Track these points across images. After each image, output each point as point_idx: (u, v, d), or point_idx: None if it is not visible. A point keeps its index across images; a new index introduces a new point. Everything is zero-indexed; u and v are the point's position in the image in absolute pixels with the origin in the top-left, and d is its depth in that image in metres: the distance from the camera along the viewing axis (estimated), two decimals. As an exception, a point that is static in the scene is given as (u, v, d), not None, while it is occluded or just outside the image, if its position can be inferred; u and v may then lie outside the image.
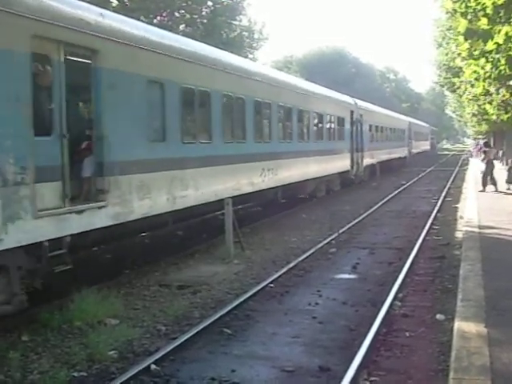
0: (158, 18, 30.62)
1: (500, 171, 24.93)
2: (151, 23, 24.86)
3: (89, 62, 8.46)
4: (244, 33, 35.87)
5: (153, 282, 9.86)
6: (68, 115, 7.77)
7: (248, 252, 12.28)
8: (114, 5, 26.29)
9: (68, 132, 7.74)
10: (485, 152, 23.67)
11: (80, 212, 7.96)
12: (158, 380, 5.93)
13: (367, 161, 29.35)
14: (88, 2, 8.71)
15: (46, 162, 7.33)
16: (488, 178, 22.27)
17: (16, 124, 6.89)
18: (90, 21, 8.26)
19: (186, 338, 6.93)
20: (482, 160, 23.69)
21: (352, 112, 26.20)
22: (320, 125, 21.46)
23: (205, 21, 32.66)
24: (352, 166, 25.97)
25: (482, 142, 39.09)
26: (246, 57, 31.59)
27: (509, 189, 22.35)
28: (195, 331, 7.14)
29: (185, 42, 12.32)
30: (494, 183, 22.15)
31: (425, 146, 67.13)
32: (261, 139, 15.31)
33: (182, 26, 31.78)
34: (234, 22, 34.80)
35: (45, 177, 7.28)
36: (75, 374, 6.11)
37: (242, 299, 8.57)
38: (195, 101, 11.61)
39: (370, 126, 30.95)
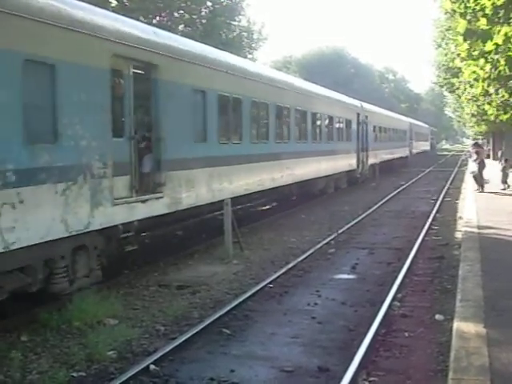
0: (158, 18, 30.63)
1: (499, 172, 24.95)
2: (150, 23, 24.83)
3: (149, 74, 9.94)
4: (243, 33, 35.87)
5: (152, 282, 9.85)
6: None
7: (247, 252, 12.28)
8: (113, 5, 26.25)
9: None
10: (477, 153, 23.76)
11: (144, 201, 9.51)
12: (157, 380, 5.92)
13: (371, 160, 30.60)
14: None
15: (120, 159, 8.84)
16: (480, 177, 22.45)
17: (101, 128, 8.41)
18: (151, 40, 9.94)
19: (185, 338, 6.92)
20: (474, 160, 23.77)
21: (358, 114, 27.64)
22: (330, 126, 22.95)
23: (204, 21, 32.66)
24: (358, 165, 27.35)
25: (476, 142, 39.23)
26: (245, 57, 31.57)
27: (504, 189, 22.40)
28: (194, 331, 7.13)
29: (221, 54, 13.93)
30: (482, 184, 22.36)
31: (425, 146, 67.88)
32: (281, 140, 16.81)
33: (181, 27, 31.75)
34: (233, 23, 34.80)
35: (119, 171, 8.79)
36: (74, 374, 6.10)
37: (241, 299, 8.57)
38: (229, 106, 13.19)
39: (374, 127, 32.28)
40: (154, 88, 9.99)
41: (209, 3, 32.96)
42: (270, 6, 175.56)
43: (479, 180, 22.32)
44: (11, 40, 6.80)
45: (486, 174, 22.72)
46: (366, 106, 30.72)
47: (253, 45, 37.36)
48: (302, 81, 22.19)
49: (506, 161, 24.18)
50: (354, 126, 26.79)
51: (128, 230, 9.18)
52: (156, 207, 9.86)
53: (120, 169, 8.79)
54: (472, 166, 23.90)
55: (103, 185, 8.36)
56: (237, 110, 13.59)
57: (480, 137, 64.50)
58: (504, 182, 23.00)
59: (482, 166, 22.64)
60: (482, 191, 21.82)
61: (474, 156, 23.92)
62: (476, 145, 26.29)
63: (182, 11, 31.92)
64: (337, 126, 23.89)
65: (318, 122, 21.17)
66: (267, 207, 20.03)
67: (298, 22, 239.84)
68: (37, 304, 7.95)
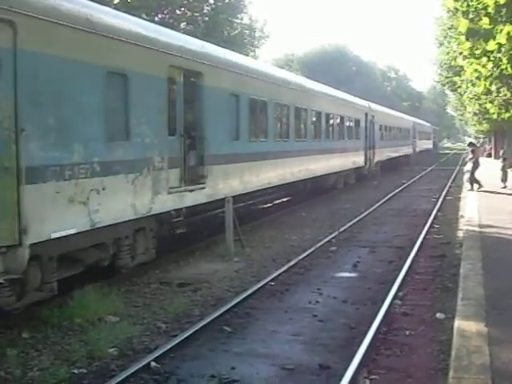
0: (160, 15, 30.57)
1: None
2: (152, 21, 24.78)
3: (195, 81, 11.27)
4: (245, 31, 35.75)
5: (153, 280, 9.86)
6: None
7: (248, 250, 12.28)
8: (115, 2, 26.19)
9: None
10: (472, 151, 23.82)
11: (191, 191, 10.94)
12: (157, 377, 5.93)
13: (378, 157, 31.83)
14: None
15: (173, 154, 10.19)
16: (472, 176, 22.47)
17: (160, 128, 9.81)
18: (198, 52, 11.45)
19: (186, 335, 6.93)
20: (470, 159, 23.80)
21: (366, 114, 28.92)
22: (342, 126, 24.36)
23: (206, 19, 32.56)
24: (366, 162, 28.66)
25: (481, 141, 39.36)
26: (247, 55, 31.51)
27: (504, 187, 22.36)
28: (195, 329, 7.14)
29: (251, 61, 15.79)
30: (472, 183, 22.41)
31: (428, 144, 68.53)
32: (299, 138, 18.25)
33: (183, 24, 31.67)
34: (236, 20, 34.69)
35: (172, 164, 10.15)
36: (75, 371, 6.11)
37: (242, 297, 8.58)
38: (257, 108, 14.65)
39: (380, 126, 33.42)
40: (199, 93, 11.38)
41: (211, 1, 32.87)
42: (272, 4, 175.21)
43: (472, 179, 22.35)
44: (100, 56, 8.21)
45: (478, 173, 22.73)
46: (373, 105, 31.98)
47: (255, 42, 37.27)
48: (318, 83, 22.87)
49: (504, 159, 24.17)
50: (362, 125, 28.10)
51: (178, 215, 10.55)
52: (200, 196, 11.32)
53: (173, 162, 10.17)
54: (469, 166, 24.02)
55: (161, 176, 9.75)
56: (263, 112, 15.07)
57: (482, 135, 64.42)
58: (504, 180, 22.97)
59: (475, 165, 22.65)
60: (481, 188, 21.83)
61: (470, 155, 24.02)
62: (471, 144, 26.68)
63: (184, 9, 31.85)
64: (347, 125, 25.22)
65: (331, 122, 22.52)
66: (268, 205, 20.03)
67: (300, 20, 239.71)
68: (37, 302, 7.96)
